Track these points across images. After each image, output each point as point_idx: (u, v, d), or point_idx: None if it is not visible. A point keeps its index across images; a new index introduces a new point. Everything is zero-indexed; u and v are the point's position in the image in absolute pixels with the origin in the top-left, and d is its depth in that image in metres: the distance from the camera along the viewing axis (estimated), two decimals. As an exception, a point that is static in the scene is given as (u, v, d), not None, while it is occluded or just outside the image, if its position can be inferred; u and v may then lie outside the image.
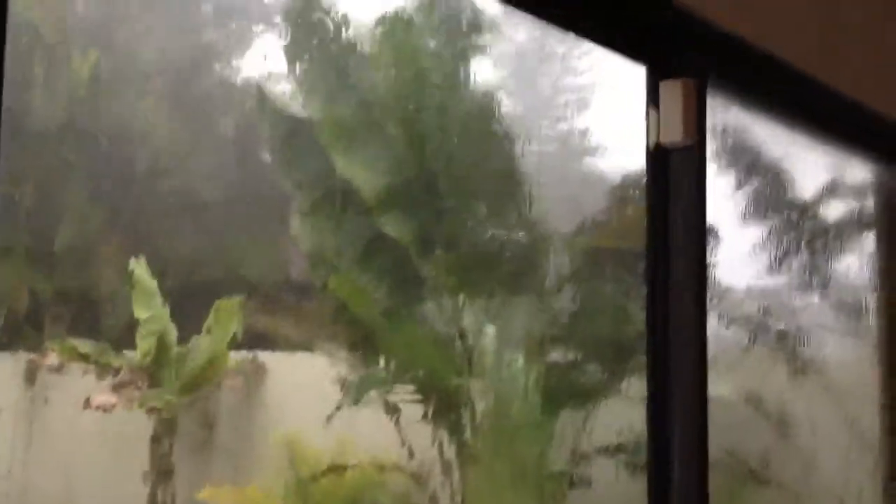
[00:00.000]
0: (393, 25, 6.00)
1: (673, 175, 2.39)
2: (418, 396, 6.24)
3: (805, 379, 5.52)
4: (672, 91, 2.39)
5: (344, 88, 6.04)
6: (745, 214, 5.78)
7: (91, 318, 10.40)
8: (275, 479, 7.10)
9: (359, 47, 6.17)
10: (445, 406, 6.17)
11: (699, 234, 2.39)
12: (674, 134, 2.39)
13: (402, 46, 5.98)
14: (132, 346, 8.13)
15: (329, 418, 6.38)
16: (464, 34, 6.11)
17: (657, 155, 2.42)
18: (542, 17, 2.34)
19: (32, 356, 8.16)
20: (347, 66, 6.06)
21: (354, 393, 6.29)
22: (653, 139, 2.43)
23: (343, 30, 6.16)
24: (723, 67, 2.49)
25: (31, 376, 8.25)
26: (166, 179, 10.61)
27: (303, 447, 7.13)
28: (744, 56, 2.48)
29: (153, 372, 7.98)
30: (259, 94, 6.59)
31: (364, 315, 6.22)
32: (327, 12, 6.16)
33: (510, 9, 2.26)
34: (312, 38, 6.13)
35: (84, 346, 8.07)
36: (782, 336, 5.73)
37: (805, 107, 2.79)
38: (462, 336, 6.14)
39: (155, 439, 7.88)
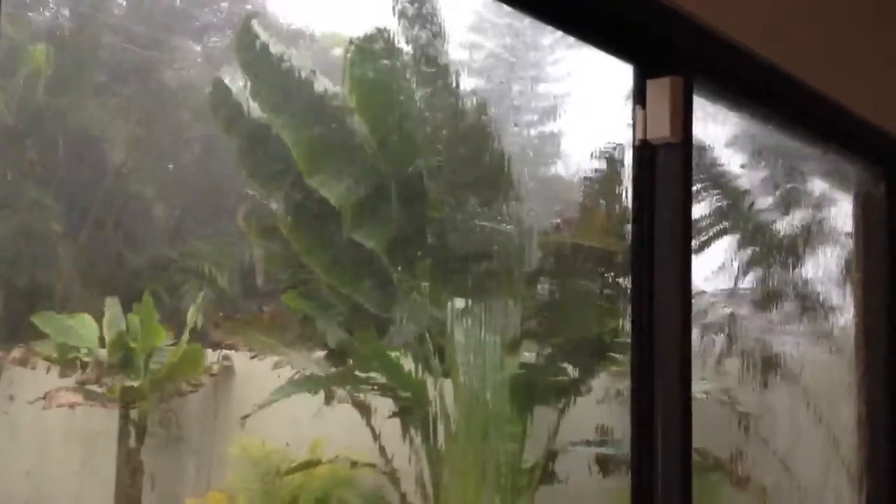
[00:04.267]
0: (361, 47, 6.02)
1: (659, 171, 2.40)
2: (387, 395, 6.24)
3: (776, 382, 5.59)
4: (659, 89, 2.40)
5: (299, 101, 6.03)
6: (711, 220, 5.85)
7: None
8: (244, 476, 7.05)
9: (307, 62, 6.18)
10: (414, 405, 6.16)
11: (685, 230, 2.40)
12: (660, 131, 2.40)
13: (370, 64, 6.00)
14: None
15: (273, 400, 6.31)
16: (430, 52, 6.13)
17: (643, 152, 2.43)
18: (535, 16, 2.34)
19: (-4, 353, 8.06)
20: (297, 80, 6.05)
21: (309, 385, 6.26)
22: (639, 136, 2.43)
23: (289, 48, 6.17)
24: (709, 66, 2.50)
25: (-4, 373, 8.15)
26: (127, 182, 10.54)
27: (270, 445, 7.09)
28: (730, 55, 2.49)
29: (119, 369, 7.90)
30: (217, 92, 6.51)
31: (323, 327, 6.21)
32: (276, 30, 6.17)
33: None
34: (266, 55, 6.10)
35: (46, 346, 7.97)
36: (752, 342, 5.80)
37: (787, 107, 2.80)
38: (433, 336, 6.14)
39: (123, 437, 7.80)
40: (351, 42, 6.03)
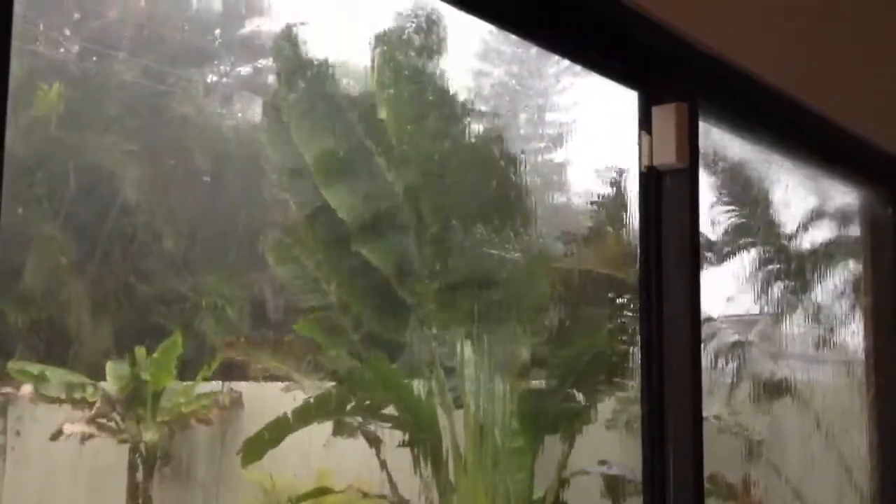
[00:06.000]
0: (382, 69, 6.08)
1: (666, 198, 2.41)
2: (397, 426, 6.21)
3: (788, 407, 5.56)
4: (665, 115, 2.41)
5: (327, 126, 6.08)
6: (726, 242, 5.85)
7: (63, 350, 10.30)
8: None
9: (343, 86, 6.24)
10: (423, 435, 6.14)
11: (693, 256, 2.40)
12: (667, 157, 2.41)
13: (391, 87, 6.05)
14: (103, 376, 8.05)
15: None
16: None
17: (649, 178, 2.44)
18: (541, 45, 2.36)
19: (5, 389, 8.05)
20: (332, 105, 6.10)
21: (314, 415, 6.23)
22: (645, 162, 2.44)
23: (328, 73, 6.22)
24: (713, 91, 2.51)
25: (2, 408, 8.14)
26: (138, 215, 10.59)
27: (278, 477, 7.07)
28: (735, 80, 2.51)
29: (127, 405, 7.89)
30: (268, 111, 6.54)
31: (336, 354, 6.20)
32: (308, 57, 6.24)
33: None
34: (297, 77, 6.15)
35: (54, 382, 7.96)
36: (763, 366, 5.78)
37: (792, 131, 2.82)
38: (443, 364, 6.13)
39: (132, 469, 7.79)
40: (379, 40, 6.08)
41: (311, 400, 6.16)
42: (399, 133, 6.06)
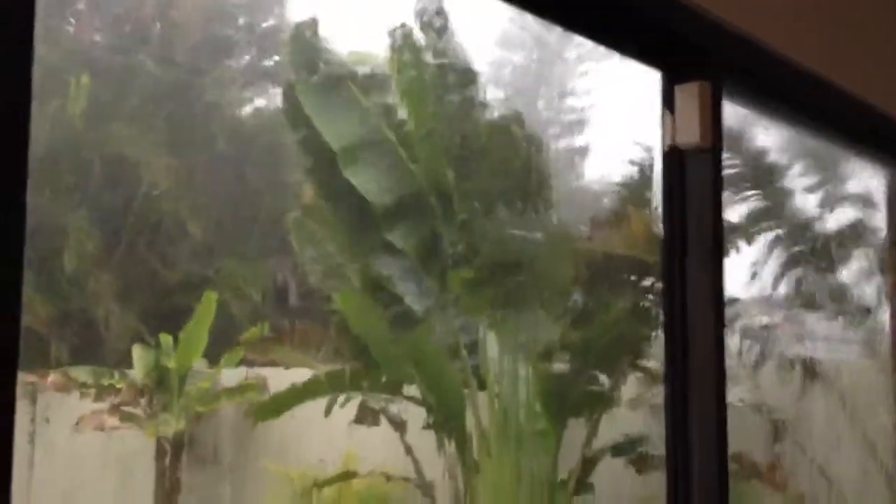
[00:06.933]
0: (401, 53, 6.09)
1: (689, 177, 2.40)
2: (422, 408, 6.23)
3: (813, 387, 5.54)
4: (688, 94, 2.40)
5: (349, 111, 6.08)
6: (748, 225, 5.83)
7: (91, 338, 10.40)
8: (280, 493, 7.07)
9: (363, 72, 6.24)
10: (450, 417, 6.16)
11: (716, 235, 2.40)
12: (690, 137, 2.40)
13: (411, 70, 6.06)
14: (130, 364, 8.12)
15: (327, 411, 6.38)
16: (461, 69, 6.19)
17: (672, 158, 2.43)
18: (561, 24, 2.35)
19: (33, 377, 8.13)
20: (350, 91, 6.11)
21: (326, 388, 6.29)
22: (668, 142, 2.44)
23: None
24: (737, 70, 2.50)
25: (31, 397, 8.23)
26: (163, 202, 10.65)
27: (304, 461, 7.12)
28: (758, 59, 2.49)
29: (152, 393, 7.95)
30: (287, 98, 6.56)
31: (366, 332, 6.22)
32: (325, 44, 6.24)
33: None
34: (317, 64, 6.16)
35: (81, 372, 8.04)
36: (788, 347, 5.76)
37: (819, 110, 2.80)
38: (467, 346, 6.14)
39: (160, 455, 7.85)
40: (397, 30, 6.10)
41: (322, 375, 6.24)
42: (420, 117, 6.06)
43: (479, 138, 6.12)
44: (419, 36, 6.18)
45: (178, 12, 11.83)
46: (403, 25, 6.20)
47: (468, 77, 6.19)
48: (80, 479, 8.09)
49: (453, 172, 6.05)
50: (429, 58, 6.13)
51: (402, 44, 6.11)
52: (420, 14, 6.24)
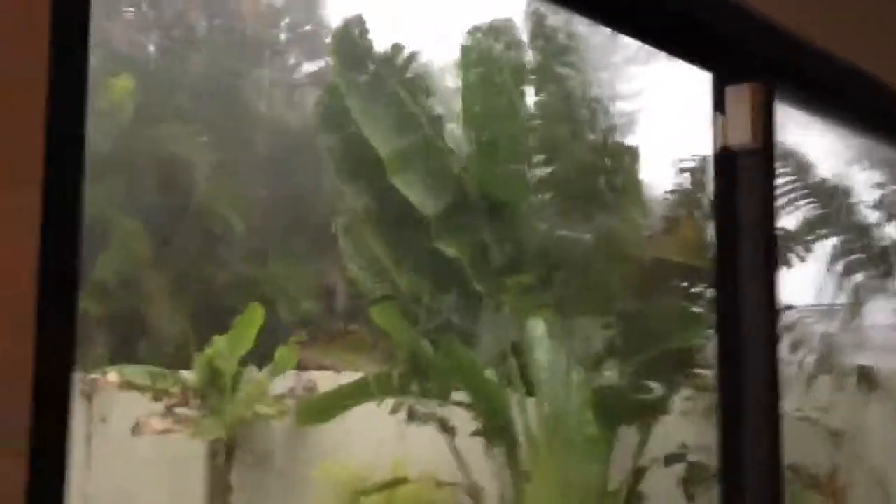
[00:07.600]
0: (466, 57, 6.06)
1: (741, 178, 2.35)
2: (468, 411, 6.19)
3: (872, 396, 5.42)
4: (739, 95, 2.36)
5: (397, 116, 6.04)
6: (805, 232, 5.72)
7: (141, 338, 10.53)
8: (329, 497, 7.09)
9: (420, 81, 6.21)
10: (498, 423, 6.11)
11: (769, 237, 2.35)
12: (741, 137, 2.36)
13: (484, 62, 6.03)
14: (187, 365, 8.21)
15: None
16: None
17: (724, 159, 2.39)
18: (613, 27, 2.33)
19: (91, 376, 8.25)
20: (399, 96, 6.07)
21: (374, 392, 6.27)
22: (719, 143, 2.39)
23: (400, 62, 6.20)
24: (789, 71, 2.44)
25: (88, 396, 8.35)
26: (212, 206, 10.75)
27: (353, 465, 7.13)
28: (811, 60, 2.43)
29: (204, 395, 8.02)
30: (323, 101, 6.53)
31: (404, 344, 6.20)
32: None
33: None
34: (364, 68, 6.13)
35: (136, 372, 8.13)
36: (847, 356, 5.63)
37: (874, 113, 2.73)
38: (517, 353, 6.09)
39: (212, 457, 7.92)
40: (474, 30, 6.07)
41: (370, 377, 6.23)
42: (472, 122, 6.02)
43: (528, 142, 6.06)
44: (486, 40, 6.12)
45: (226, 14, 11.96)
46: (476, 28, 6.17)
47: (518, 81, 6.14)
48: (134, 478, 8.18)
49: (505, 177, 5.98)
50: (484, 63, 6.07)
51: (471, 46, 6.06)
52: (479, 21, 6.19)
